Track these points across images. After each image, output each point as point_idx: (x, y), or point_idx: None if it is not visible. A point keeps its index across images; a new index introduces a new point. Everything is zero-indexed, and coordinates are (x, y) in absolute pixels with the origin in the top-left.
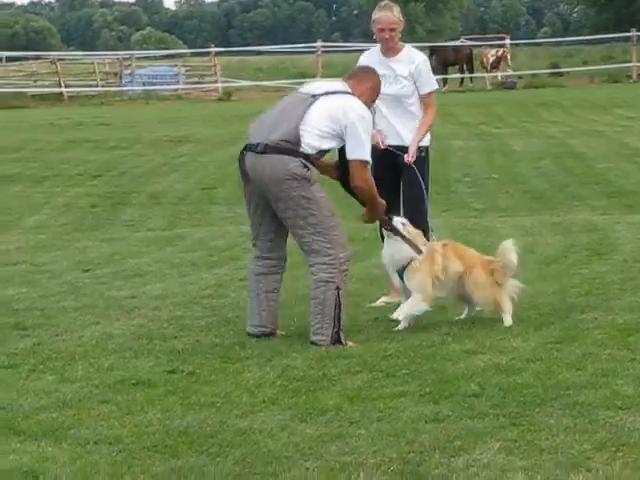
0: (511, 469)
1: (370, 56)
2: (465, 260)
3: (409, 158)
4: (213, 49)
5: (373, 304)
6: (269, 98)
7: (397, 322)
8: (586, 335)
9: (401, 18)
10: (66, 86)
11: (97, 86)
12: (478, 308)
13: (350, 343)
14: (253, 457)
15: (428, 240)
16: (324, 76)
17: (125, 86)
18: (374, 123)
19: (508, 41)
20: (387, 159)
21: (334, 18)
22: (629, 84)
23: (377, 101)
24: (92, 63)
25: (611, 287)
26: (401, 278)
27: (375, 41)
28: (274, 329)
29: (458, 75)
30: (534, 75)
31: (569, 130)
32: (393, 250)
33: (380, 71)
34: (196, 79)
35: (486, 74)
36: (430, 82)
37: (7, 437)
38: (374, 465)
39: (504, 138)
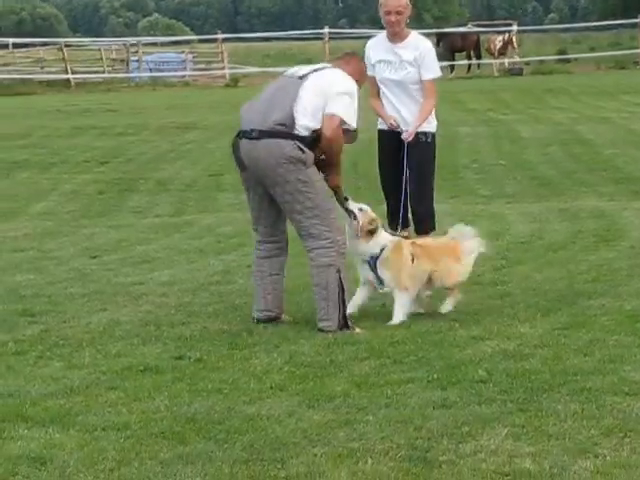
0: (519, 455)
1: (376, 42)
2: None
3: (407, 136)
4: (220, 35)
5: (381, 290)
6: None
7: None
8: (594, 321)
9: (408, 3)
10: (73, 73)
11: (104, 73)
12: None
13: (357, 330)
14: (261, 443)
15: (434, 229)
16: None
17: (132, 72)
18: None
19: (515, 27)
20: (394, 143)
21: (341, 4)
22: (636, 70)
23: (383, 87)
24: (99, 50)
25: (619, 273)
26: (374, 271)
27: (382, 27)
28: (279, 313)
29: (465, 62)
30: (541, 61)
31: (576, 116)
32: (356, 242)
33: (386, 57)
34: (203, 65)
35: (493, 60)
36: (433, 68)
37: (15, 424)
38: (382, 451)
39: (511, 124)
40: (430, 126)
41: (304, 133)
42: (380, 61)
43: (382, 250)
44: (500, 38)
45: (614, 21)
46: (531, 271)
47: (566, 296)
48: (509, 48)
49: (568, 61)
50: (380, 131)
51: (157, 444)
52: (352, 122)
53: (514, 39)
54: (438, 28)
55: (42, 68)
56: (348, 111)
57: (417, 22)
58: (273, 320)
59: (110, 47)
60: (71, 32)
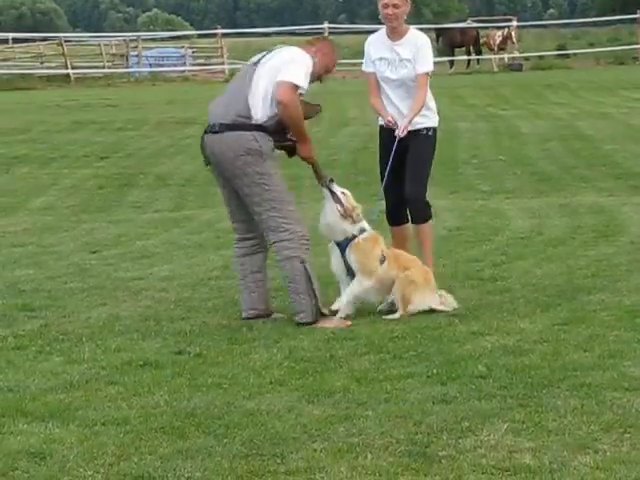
0: (518, 450)
1: (376, 38)
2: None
3: (399, 132)
4: (220, 30)
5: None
6: None
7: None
8: (593, 317)
9: None
10: (73, 68)
11: (104, 68)
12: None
13: (333, 319)
14: (260, 438)
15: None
16: None
17: (132, 68)
18: (382, 106)
19: (515, 23)
20: (393, 138)
21: (340, 0)
22: (635, 66)
23: (383, 84)
24: (99, 45)
25: (618, 269)
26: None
27: (382, 22)
28: (266, 310)
29: (465, 57)
30: (540, 57)
31: (576, 112)
32: (329, 221)
33: (386, 55)
34: (202, 61)
35: (493, 56)
36: (426, 62)
37: (14, 418)
38: (381, 446)
39: (511, 120)
40: (431, 121)
41: (263, 120)
42: (380, 59)
43: (359, 233)
44: (499, 33)
45: (613, 17)
46: (531, 266)
47: (566, 291)
48: (508, 43)
49: (567, 56)
50: (381, 127)
51: (157, 439)
52: (304, 84)
53: (513, 34)
54: (437, 23)
55: (42, 63)
56: (298, 74)
57: (416, 18)
58: (263, 317)
59: (110, 42)
60: (71, 27)
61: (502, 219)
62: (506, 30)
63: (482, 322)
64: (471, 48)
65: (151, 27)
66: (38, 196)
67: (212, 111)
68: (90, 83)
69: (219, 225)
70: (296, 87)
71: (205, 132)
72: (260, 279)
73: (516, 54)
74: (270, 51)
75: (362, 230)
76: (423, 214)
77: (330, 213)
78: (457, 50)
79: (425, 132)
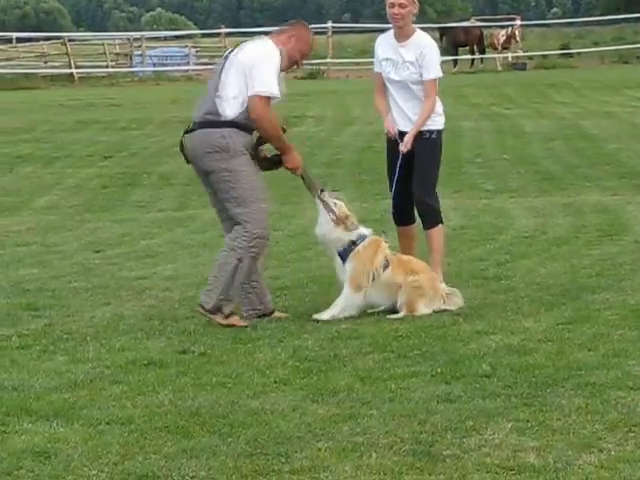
0: (523, 449)
1: (384, 39)
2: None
3: (402, 148)
4: (223, 30)
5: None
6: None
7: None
8: (597, 316)
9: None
10: (76, 67)
11: (107, 67)
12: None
13: (236, 319)
14: (265, 437)
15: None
16: (334, 57)
17: (135, 67)
18: (388, 107)
19: (518, 22)
20: (398, 143)
21: None
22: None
23: (388, 85)
24: (102, 44)
25: (622, 268)
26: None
27: (386, 22)
28: (265, 309)
29: (468, 56)
30: (544, 56)
31: (580, 111)
32: (325, 231)
33: (390, 56)
34: (206, 60)
35: (496, 55)
36: (433, 69)
37: (19, 418)
38: (386, 445)
39: (515, 119)
40: (435, 124)
41: (233, 116)
42: (386, 59)
43: (358, 240)
44: (503, 32)
45: (617, 15)
46: (535, 266)
47: (570, 290)
48: (512, 42)
49: (571, 56)
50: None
51: (161, 438)
52: (275, 91)
53: (517, 33)
54: (441, 23)
55: (45, 63)
56: (267, 81)
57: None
58: (264, 316)
59: (113, 42)
60: (74, 26)
61: (506, 218)
62: (510, 29)
63: (486, 321)
64: (475, 47)
65: (155, 26)
66: (42, 195)
67: (194, 111)
68: (94, 82)
69: None
70: (268, 99)
71: (184, 132)
72: (255, 279)
73: (520, 53)
74: (239, 46)
75: (361, 237)
76: (432, 219)
77: (324, 223)
78: (461, 49)
79: (428, 135)
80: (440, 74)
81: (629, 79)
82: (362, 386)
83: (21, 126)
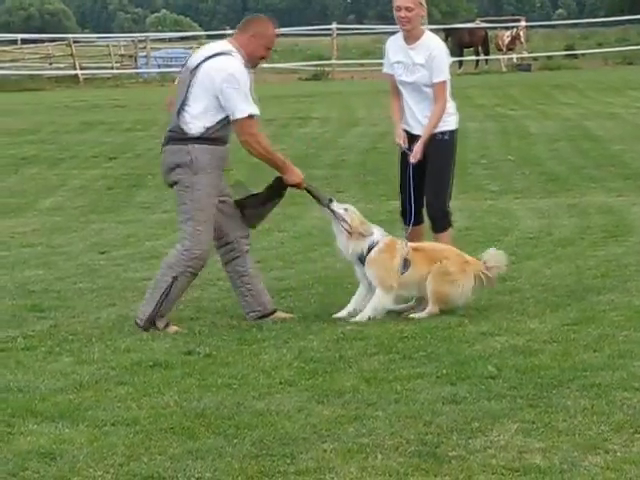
0: (528, 450)
1: (394, 41)
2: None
3: (412, 160)
4: (228, 31)
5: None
6: (284, 80)
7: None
8: (603, 317)
9: (421, 2)
10: (81, 68)
11: (112, 68)
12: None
13: (175, 328)
14: (270, 439)
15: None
16: (339, 58)
17: (140, 68)
18: (402, 110)
19: (523, 23)
20: (413, 143)
21: (349, 0)
22: None
23: (401, 88)
24: (107, 45)
25: (627, 269)
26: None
27: (390, 23)
28: (265, 310)
29: (473, 57)
30: (549, 57)
31: (584, 112)
32: (342, 241)
33: (401, 58)
34: None
35: (501, 56)
36: (441, 72)
37: (24, 419)
38: (391, 447)
39: (519, 120)
40: (447, 124)
41: (200, 132)
42: (397, 62)
43: (371, 248)
44: (508, 33)
45: (622, 17)
46: (540, 267)
47: (575, 292)
48: (517, 43)
49: (576, 57)
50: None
51: (166, 439)
52: (254, 110)
53: (522, 34)
54: (446, 24)
55: (50, 64)
56: (243, 100)
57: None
58: (266, 316)
59: (118, 43)
60: (79, 28)
61: (511, 219)
62: (514, 30)
63: (492, 322)
64: (479, 48)
65: (159, 28)
66: (47, 197)
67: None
68: (99, 84)
69: None
70: (250, 118)
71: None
72: (248, 282)
73: (524, 54)
74: (207, 57)
75: (375, 242)
76: (442, 223)
77: (339, 234)
78: (466, 50)
79: (440, 137)
80: (447, 77)
81: (633, 80)
82: (367, 387)
83: (26, 127)
